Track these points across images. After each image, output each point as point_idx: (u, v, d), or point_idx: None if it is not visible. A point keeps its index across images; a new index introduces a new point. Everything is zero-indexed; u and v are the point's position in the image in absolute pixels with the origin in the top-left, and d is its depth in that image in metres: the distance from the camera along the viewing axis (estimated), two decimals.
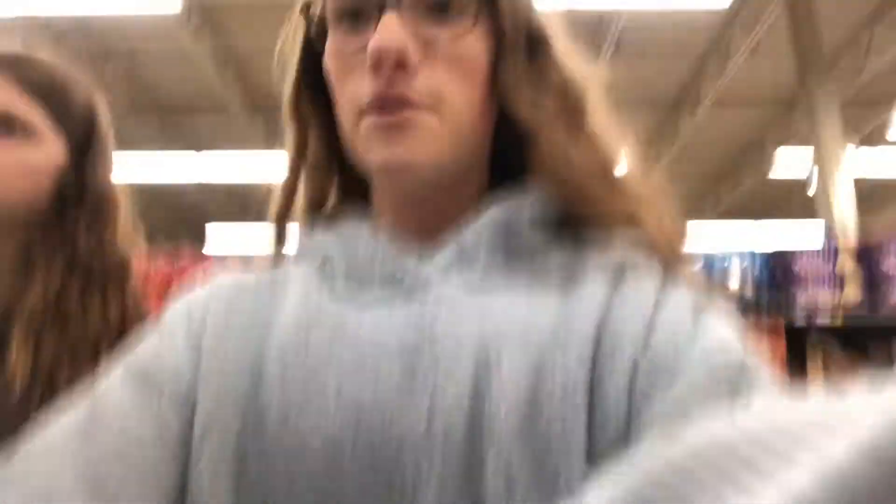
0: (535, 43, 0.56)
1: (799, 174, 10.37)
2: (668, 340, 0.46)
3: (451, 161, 0.53)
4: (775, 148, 10.86)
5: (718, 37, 8.53)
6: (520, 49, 0.55)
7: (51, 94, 0.90)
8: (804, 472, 0.16)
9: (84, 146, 0.96)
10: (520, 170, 0.58)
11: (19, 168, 0.88)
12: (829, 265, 2.64)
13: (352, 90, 0.52)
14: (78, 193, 0.94)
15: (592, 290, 0.50)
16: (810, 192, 7.62)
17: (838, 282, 2.61)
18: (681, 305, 0.49)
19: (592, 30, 8.38)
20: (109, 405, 0.48)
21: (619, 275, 0.52)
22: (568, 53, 0.58)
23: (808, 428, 0.19)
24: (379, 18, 0.50)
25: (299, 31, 0.59)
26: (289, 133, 0.61)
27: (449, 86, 0.51)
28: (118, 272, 0.93)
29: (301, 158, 0.61)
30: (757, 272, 2.73)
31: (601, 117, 0.58)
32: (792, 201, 13.63)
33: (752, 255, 2.78)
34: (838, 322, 2.53)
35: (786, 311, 2.58)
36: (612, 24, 7.77)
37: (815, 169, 6.37)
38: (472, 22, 0.52)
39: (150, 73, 9.49)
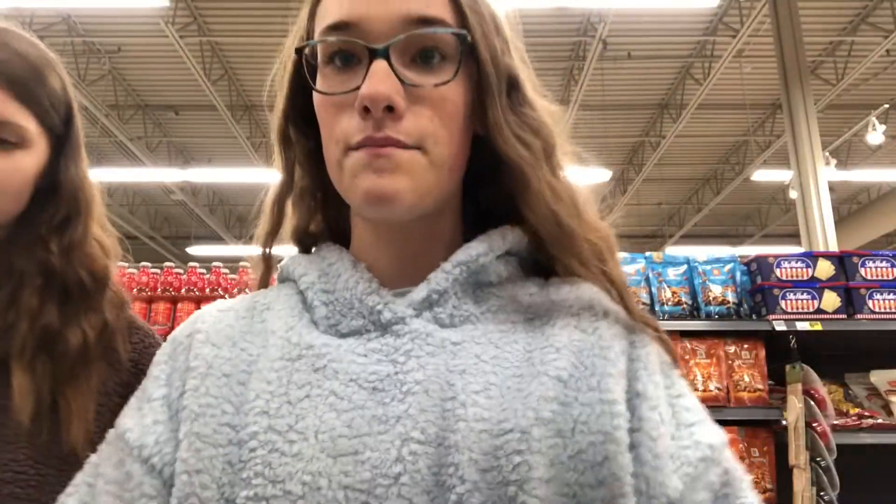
0: (510, 85, 0.60)
1: (781, 177, 10.49)
2: (646, 439, 0.50)
3: (433, 195, 0.56)
4: (758, 150, 10.96)
5: (703, 41, 8.60)
6: (502, 92, 0.58)
7: (32, 91, 0.84)
8: None
9: (62, 141, 0.89)
10: (491, 201, 0.62)
11: (16, 177, 0.83)
12: (808, 271, 2.67)
13: (341, 129, 0.55)
14: (53, 193, 0.88)
15: (560, 334, 0.54)
16: (792, 195, 7.71)
17: (818, 288, 2.64)
18: (652, 377, 0.53)
19: (578, 34, 8.42)
20: (100, 488, 0.54)
21: (584, 321, 0.56)
22: (536, 92, 0.62)
23: None
24: (368, 63, 0.53)
25: (289, 64, 0.62)
26: (277, 162, 0.64)
27: (433, 128, 0.55)
28: (94, 283, 0.88)
29: (288, 187, 0.64)
30: (738, 277, 2.76)
31: (566, 155, 0.62)
32: (774, 201, 13.77)
33: (734, 259, 2.81)
34: (818, 326, 2.57)
35: (766, 316, 2.61)
36: (598, 29, 7.80)
37: (794, 176, 6.45)
38: (455, 70, 0.55)
39: (135, 70, 9.41)
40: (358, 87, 0.53)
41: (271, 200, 0.64)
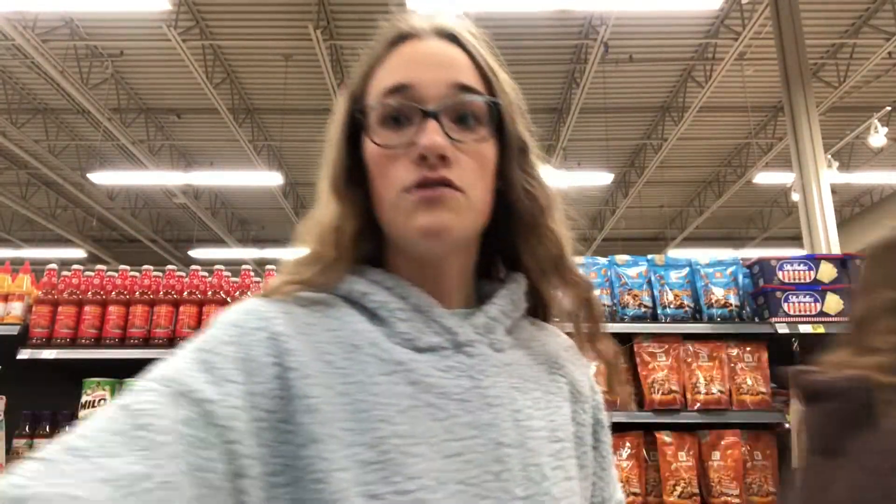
0: (521, 149, 0.72)
1: (783, 179, 10.47)
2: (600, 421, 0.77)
3: (470, 229, 0.68)
4: (760, 153, 10.95)
5: (705, 43, 8.60)
6: (517, 154, 0.71)
7: None
8: None
9: None
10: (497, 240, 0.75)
11: None
12: (811, 273, 2.67)
13: (396, 174, 0.65)
14: None
15: (565, 366, 0.75)
16: (794, 198, 7.69)
17: (820, 291, 2.64)
18: (600, 399, 0.78)
19: (580, 37, 8.42)
20: (161, 426, 0.50)
21: (572, 355, 0.77)
22: (537, 156, 0.74)
23: None
24: (420, 123, 0.65)
25: (341, 122, 0.71)
26: (332, 207, 0.69)
27: (472, 175, 0.66)
28: None
29: (344, 228, 0.68)
30: (741, 279, 2.75)
31: (560, 213, 0.74)
32: (776, 203, 13.75)
33: (736, 261, 2.81)
34: (820, 329, 2.56)
35: (768, 319, 2.61)
36: (600, 32, 7.81)
37: (796, 178, 6.43)
38: (489, 131, 0.68)
39: (138, 73, 9.43)
40: (411, 142, 0.64)
41: (326, 235, 0.68)
